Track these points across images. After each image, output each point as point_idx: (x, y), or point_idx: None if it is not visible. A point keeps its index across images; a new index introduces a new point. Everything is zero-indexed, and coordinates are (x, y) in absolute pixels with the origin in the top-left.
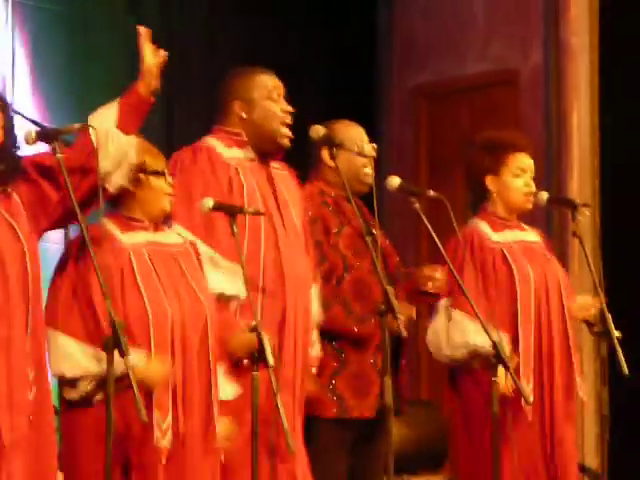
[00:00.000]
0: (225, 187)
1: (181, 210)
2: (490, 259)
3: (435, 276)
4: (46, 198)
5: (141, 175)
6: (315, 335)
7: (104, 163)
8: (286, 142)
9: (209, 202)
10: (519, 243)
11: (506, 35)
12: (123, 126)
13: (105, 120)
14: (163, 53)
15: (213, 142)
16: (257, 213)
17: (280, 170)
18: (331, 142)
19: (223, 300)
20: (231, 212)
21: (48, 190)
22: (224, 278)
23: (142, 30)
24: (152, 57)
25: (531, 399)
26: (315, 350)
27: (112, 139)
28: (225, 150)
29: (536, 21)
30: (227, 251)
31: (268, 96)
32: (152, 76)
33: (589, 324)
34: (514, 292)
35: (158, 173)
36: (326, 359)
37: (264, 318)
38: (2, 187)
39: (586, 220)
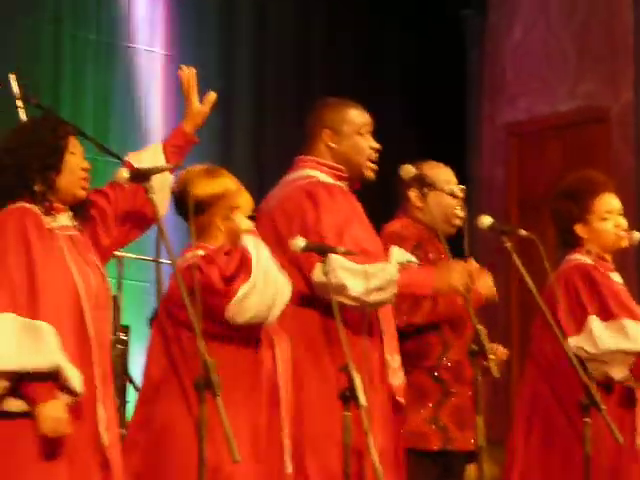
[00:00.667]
0: (361, 215)
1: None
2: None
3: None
4: (99, 242)
5: None
6: (398, 362)
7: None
8: (371, 175)
9: (301, 242)
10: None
11: (596, 72)
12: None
13: (152, 160)
14: (212, 96)
15: (323, 177)
16: (349, 253)
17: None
18: (422, 182)
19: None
20: (323, 252)
21: (101, 234)
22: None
23: (187, 71)
24: (200, 104)
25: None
26: (399, 378)
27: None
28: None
29: (626, 58)
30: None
31: (357, 131)
32: (201, 118)
33: None
34: None
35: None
36: (428, 390)
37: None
38: (76, 223)
39: None
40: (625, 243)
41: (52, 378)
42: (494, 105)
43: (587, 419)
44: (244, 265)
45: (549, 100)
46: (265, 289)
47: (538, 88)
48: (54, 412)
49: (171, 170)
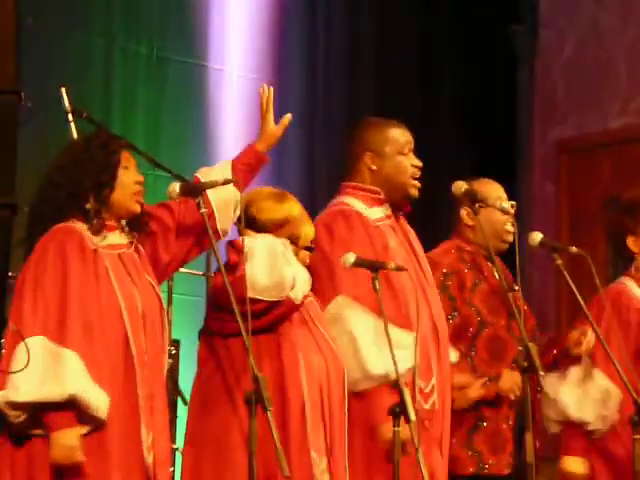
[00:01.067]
0: (379, 249)
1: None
2: (635, 320)
3: (587, 339)
4: (158, 258)
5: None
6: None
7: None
8: (415, 192)
9: (351, 258)
10: None
11: None
12: (236, 184)
13: (221, 177)
14: (287, 119)
15: (356, 203)
16: (399, 269)
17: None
18: (473, 198)
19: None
20: (373, 268)
21: (161, 249)
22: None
23: (267, 90)
24: (276, 126)
25: None
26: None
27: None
28: (368, 211)
29: None
30: (370, 308)
31: (400, 151)
32: (275, 139)
33: None
34: None
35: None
36: (463, 414)
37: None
38: (134, 239)
39: None
40: None
41: (70, 406)
42: (545, 122)
43: (637, 436)
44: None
45: (600, 117)
46: (267, 263)
47: (589, 105)
48: (66, 440)
49: (238, 187)
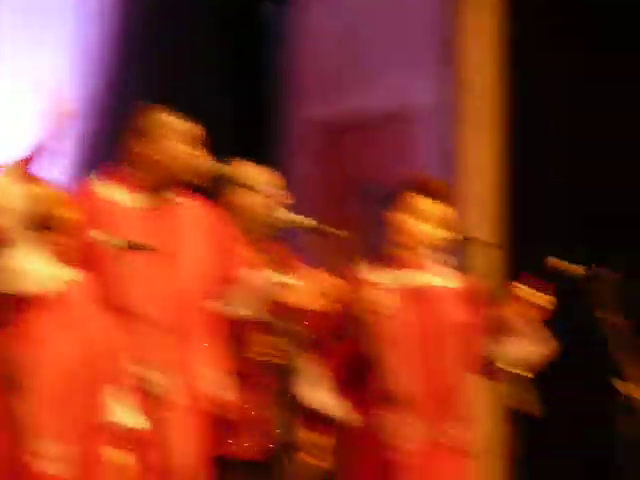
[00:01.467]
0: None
1: None
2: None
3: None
4: None
5: None
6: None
7: None
8: (189, 176)
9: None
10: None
11: (402, 70)
12: None
13: None
14: None
15: (109, 187)
16: (138, 247)
17: (184, 203)
18: (233, 181)
19: None
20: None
21: None
22: None
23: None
24: None
25: None
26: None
27: None
28: (122, 194)
29: (432, 57)
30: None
31: (171, 136)
32: None
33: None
34: None
35: None
36: None
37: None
38: None
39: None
40: None
41: None
42: (299, 100)
43: None
44: None
45: (354, 96)
46: None
47: (342, 84)
48: None
49: None
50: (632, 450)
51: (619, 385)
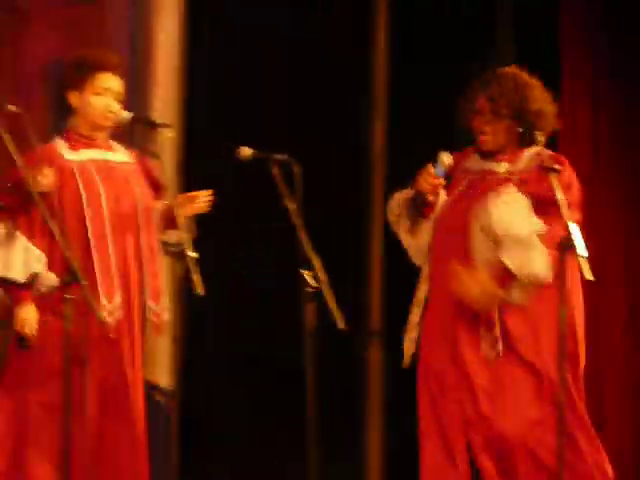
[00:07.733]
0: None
1: None
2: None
3: None
4: None
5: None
6: None
7: None
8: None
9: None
10: (97, 162)
11: None
12: None
13: None
14: None
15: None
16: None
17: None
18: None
19: None
20: None
21: None
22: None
23: None
24: None
25: None
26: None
27: None
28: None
29: None
30: None
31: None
32: None
33: (165, 244)
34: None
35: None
36: None
37: None
38: None
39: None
40: (108, 123)
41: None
42: None
43: None
44: None
45: None
46: None
47: None
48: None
49: None
50: (311, 338)
51: (305, 274)
